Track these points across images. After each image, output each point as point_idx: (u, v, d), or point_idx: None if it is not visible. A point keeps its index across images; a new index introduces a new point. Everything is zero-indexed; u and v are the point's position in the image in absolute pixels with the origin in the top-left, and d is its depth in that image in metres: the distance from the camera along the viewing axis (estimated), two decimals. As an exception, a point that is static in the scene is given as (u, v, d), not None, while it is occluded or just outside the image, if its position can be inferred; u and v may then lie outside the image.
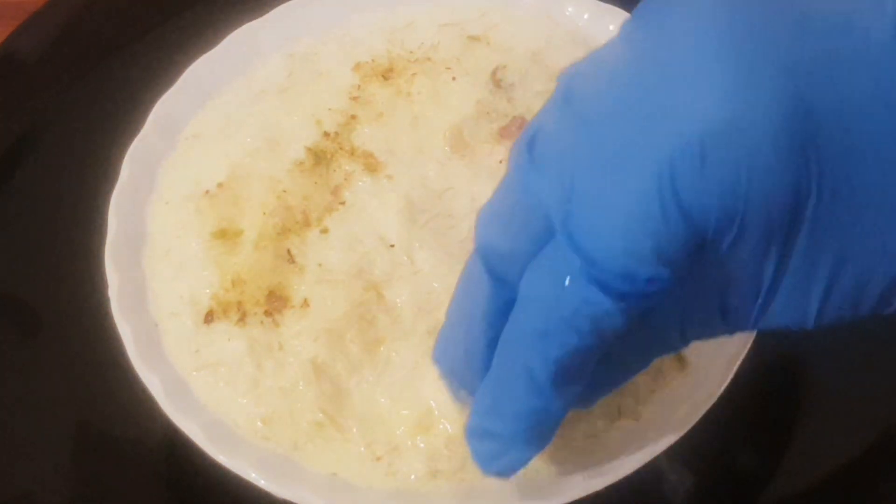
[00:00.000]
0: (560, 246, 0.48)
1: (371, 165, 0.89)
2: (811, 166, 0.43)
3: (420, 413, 0.79)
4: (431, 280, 0.83)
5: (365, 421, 0.80)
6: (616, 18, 0.96)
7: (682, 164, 0.43)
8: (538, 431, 0.59)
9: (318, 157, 0.90)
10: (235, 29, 0.96)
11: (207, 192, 0.88)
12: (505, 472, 0.62)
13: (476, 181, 0.87)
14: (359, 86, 0.94)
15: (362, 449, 0.79)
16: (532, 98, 0.92)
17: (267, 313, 0.83)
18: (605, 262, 0.46)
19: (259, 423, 0.80)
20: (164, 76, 0.94)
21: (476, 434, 0.60)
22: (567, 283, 0.48)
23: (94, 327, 0.85)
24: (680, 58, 0.44)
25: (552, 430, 0.60)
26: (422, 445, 0.78)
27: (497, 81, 0.94)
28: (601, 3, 0.98)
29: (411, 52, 0.97)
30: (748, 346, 0.79)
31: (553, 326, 0.49)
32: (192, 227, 0.87)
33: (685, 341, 0.60)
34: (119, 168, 0.88)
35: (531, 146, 0.51)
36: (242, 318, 0.83)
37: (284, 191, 0.87)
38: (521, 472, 0.78)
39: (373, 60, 0.96)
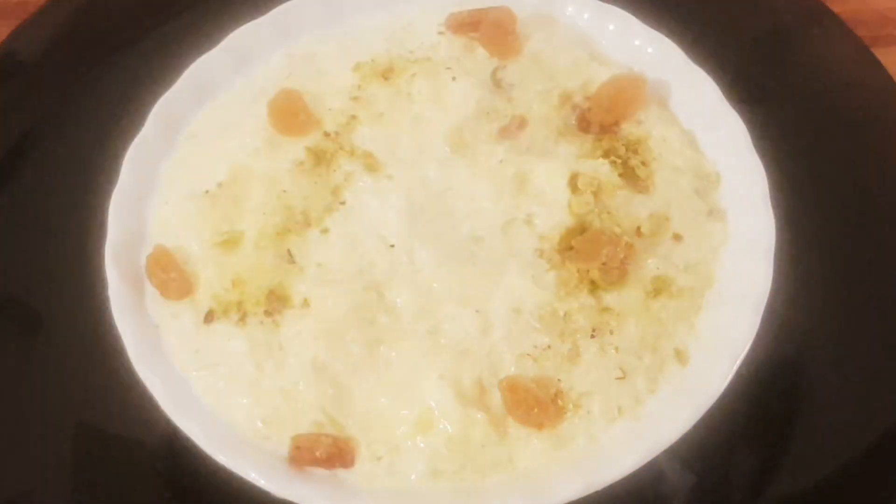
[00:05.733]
0: None
1: (371, 165, 0.89)
2: None
3: (420, 413, 0.79)
4: (431, 280, 0.83)
5: (365, 421, 0.80)
6: (616, 18, 0.97)
7: None
8: None
9: (318, 157, 0.90)
10: (235, 29, 0.96)
11: (207, 192, 0.88)
12: None
13: (476, 181, 0.87)
14: (359, 86, 0.94)
15: (362, 449, 0.79)
16: (532, 98, 0.92)
17: (267, 313, 0.83)
18: None
19: (259, 423, 0.80)
20: (164, 76, 0.94)
21: None
22: None
23: (94, 327, 0.85)
24: None
25: None
26: (422, 445, 0.78)
27: (497, 81, 0.94)
28: (601, 3, 0.98)
29: (411, 52, 0.97)
30: (748, 346, 0.79)
31: None
32: (192, 227, 0.87)
33: None
34: (119, 168, 0.89)
35: None
36: (242, 318, 0.83)
37: (284, 191, 0.87)
38: (521, 472, 0.79)
39: (373, 60, 0.96)
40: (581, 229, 0.84)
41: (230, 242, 0.86)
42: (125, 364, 0.80)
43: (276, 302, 0.83)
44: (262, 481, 0.75)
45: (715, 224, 0.87)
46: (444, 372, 0.78)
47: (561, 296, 0.81)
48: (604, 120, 0.90)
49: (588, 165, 0.87)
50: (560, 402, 0.78)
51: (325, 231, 0.86)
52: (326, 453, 0.76)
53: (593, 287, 0.82)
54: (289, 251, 0.85)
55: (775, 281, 0.81)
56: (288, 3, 0.98)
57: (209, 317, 0.83)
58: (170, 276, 0.83)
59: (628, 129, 0.91)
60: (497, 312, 0.81)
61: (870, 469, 0.85)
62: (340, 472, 0.77)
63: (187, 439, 0.77)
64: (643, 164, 0.88)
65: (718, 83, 0.91)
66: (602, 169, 0.86)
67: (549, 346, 0.80)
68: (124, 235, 0.86)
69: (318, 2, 0.98)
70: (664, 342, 0.81)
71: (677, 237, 0.86)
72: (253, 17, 0.97)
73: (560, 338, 0.80)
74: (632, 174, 0.88)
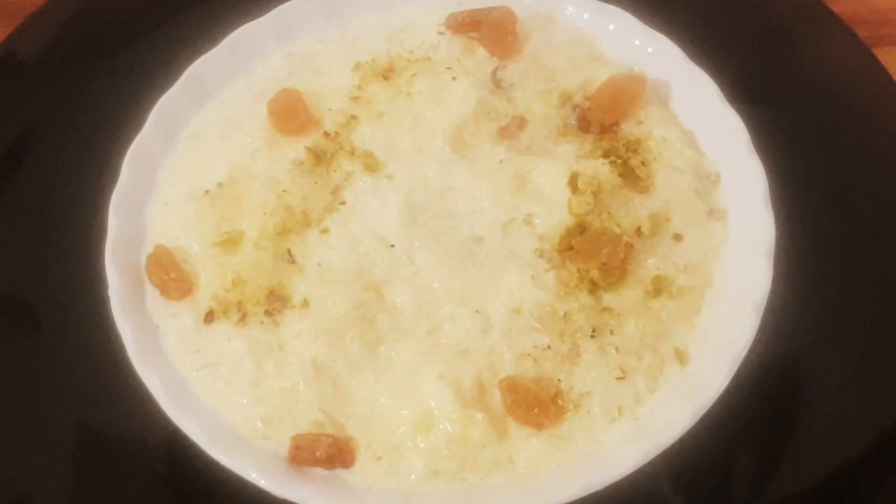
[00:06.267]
0: None
1: (371, 165, 0.89)
2: None
3: (420, 413, 0.79)
4: (431, 280, 0.83)
5: (365, 421, 0.80)
6: (616, 18, 0.97)
7: None
8: None
9: (318, 157, 0.90)
10: (235, 29, 0.96)
11: (207, 192, 0.88)
12: None
13: (476, 181, 0.87)
14: (359, 86, 0.94)
15: (362, 449, 0.79)
16: (532, 98, 0.92)
17: (267, 313, 0.83)
18: None
19: (259, 423, 0.80)
20: (164, 76, 0.94)
21: None
22: None
23: (94, 327, 0.85)
24: None
25: None
26: (422, 445, 0.78)
27: (497, 81, 0.94)
28: (601, 3, 0.98)
29: (411, 52, 0.97)
30: (748, 346, 0.79)
31: None
32: (192, 227, 0.87)
33: None
34: (119, 168, 0.89)
35: None
36: (242, 318, 0.83)
37: (284, 191, 0.87)
38: (521, 472, 0.79)
39: (373, 60, 0.96)
40: (581, 229, 0.84)
41: (230, 242, 0.86)
42: (125, 364, 0.80)
43: (276, 302, 0.83)
44: (262, 481, 0.75)
45: (715, 224, 0.87)
46: (444, 372, 0.78)
47: (561, 296, 0.81)
48: (604, 120, 0.90)
49: (588, 165, 0.87)
50: (560, 402, 0.78)
51: (325, 231, 0.86)
52: (326, 453, 0.76)
53: (593, 287, 0.82)
54: (289, 251, 0.85)
55: (775, 281, 0.81)
56: (288, 3, 0.98)
57: (209, 317, 0.83)
58: (170, 276, 0.83)
59: (628, 129, 0.91)
60: (497, 312, 0.81)
61: (870, 469, 0.85)
62: (340, 472, 0.77)
63: (187, 439, 0.77)
64: (643, 164, 0.88)
65: (718, 83, 0.91)
66: (602, 169, 0.86)
67: (549, 346, 0.79)
68: (124, 235, 0.86)
69: (318, 2, 0.98)
70: (664, 342, 0.81)
71: (677, 237, 0.86)
72: (253, 17, 0.97)
73: (560, 338, 0.80)
74: (632, 174, 0.87)
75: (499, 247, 0.84)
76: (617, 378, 0.79)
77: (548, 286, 0.82)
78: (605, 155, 0.88)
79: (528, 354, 0.79)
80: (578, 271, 0.82)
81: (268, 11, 0.97)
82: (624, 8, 0.97)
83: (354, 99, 0.93)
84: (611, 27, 0.97)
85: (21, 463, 0.87)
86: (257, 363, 0.81)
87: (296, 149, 0.90)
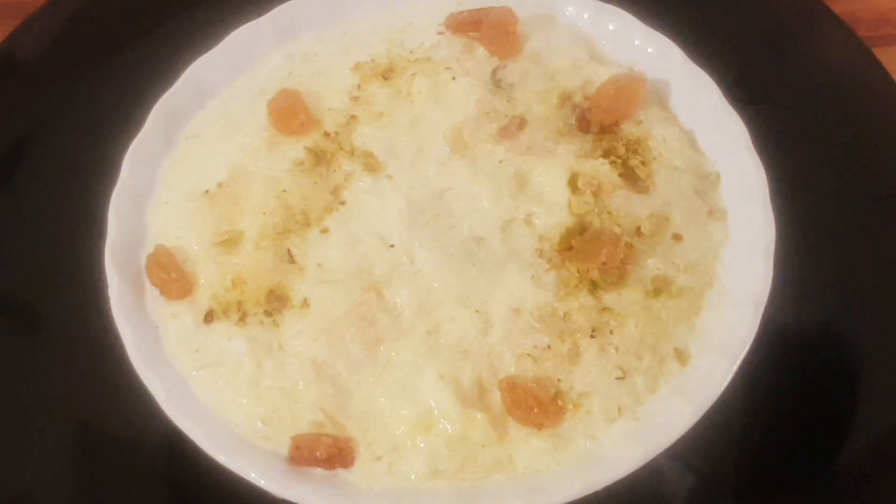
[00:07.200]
0: None
1: (371, 165, 0.89)
2: None
3: (420, 413, 0.79)
4: (431, 280, 0.83)
5: (365, 421, 0.80)
6: (616, 18, 0.97)
7: None
8: None
9: (318, 157, 0.90)
10: (235, 29, 0.96)
11: (207, 192, 0.88)
12: None
13: (476, 181, 0.87)
14: (359, 86, 0.94)
15: (362, 449, 0.79)
16: (532, 98, 0.92)
17: (267, 313, 0.83)
18: None
19: (259, 423, 0.80)
20: (164, 76, 0.94)
21: None
22: None
23: (94, 327, 0.85)
24: None
25: None
26: (422, 445, 0.78)
27: (497, 81, 0.94)
28: (601, 3, 0.98)
29: (411, 52, 0.97)
30: (748, 346, 0.79)
31: None
32: (192, 227, 0.87)
33: None
34: (119, 168, 0.89)
35: None
36: (242, 318, 0.83)
37: (284, 191, 0.87)
38: (521, 472, 0.80)
39: (373, 60, 0.96)
40: (581, 229, 0.84)
41: (230, 242, 0.86)
42: (125, 364, 0.80)
43: (276, 302, 0.83)
44: (262, 481, 0.75)
45: (715, 224, 0.87)
46: (444, 372, 0.78)
47: (561, 296, 0.81)
48: (604, 120, 0.90)
49: (588, 165, 0.87)
50: (560, 402, 0.78)
51: (325, 231, 0.86)
52: (326, 453, 0.76)
53: (593, 287, 0.82)
54: (289, 251, 0.85)
55: (775, 281, 0.81)
56: (288, 3, 0.98)
57: (209, 317, 0.83)
58: (170, 275, 0.83)
59: (628, 129, 0.91)
60: (497, 312, 0.81)
61: (870, 469, 0.85)
62: (340, 472, 0.77)
63: (187, 439, 0.77)
64: (643, 163, 0.88)
65: (718, 83, 0.91)
66: (602, 169, 0.86)
67: (549, 346, 0.79)
68: (124, 235, 0.86)
69: (317, 2, 0.98)
70: (664, 342, 0.81)
71: (677, 237, 0.86)
72: (253, 17, 0.97)
73: (560, 338, 0.80)
74: (632, 174, 0.87)
75: (499, 247, 0.84)
76: (617, 378, 0.79)
77: (548, 286, 0.82)
78: (605, 155, 0.88)
79: (528, 354, 0.79)
80: (578, 271, 0.82)
81: (268, 11, 0.97)
82: (624, 8, 0.97)
83: (354, 99, 0.93)
84: (611, 27, 0.97)
85: (21, 463, 0.87)
86: (257, 363, 0.81)
87: (296, 149, 0.90)
